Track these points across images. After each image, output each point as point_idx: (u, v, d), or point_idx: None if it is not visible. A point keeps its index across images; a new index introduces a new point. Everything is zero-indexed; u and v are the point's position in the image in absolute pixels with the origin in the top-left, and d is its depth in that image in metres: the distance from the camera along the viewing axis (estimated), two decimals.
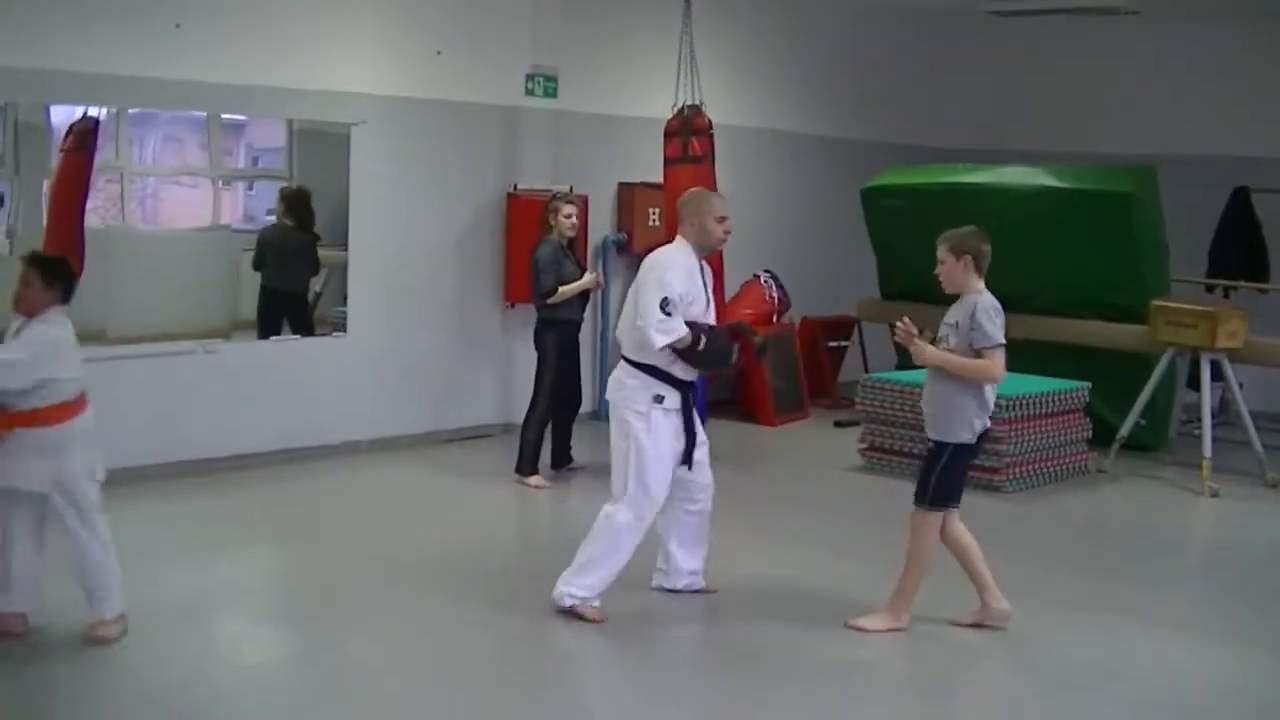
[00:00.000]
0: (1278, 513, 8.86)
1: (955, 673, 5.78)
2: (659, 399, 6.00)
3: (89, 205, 8.19)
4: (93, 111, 7.96)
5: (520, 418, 8.90)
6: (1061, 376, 9.31)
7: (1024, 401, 8.87)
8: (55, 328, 5.47)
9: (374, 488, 8.72)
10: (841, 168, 12.49)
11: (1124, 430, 9.66)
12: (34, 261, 5.58)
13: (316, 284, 9.77)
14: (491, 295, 10.17)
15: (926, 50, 13.63)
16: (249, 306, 9.33)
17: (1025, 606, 6.20)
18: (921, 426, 8.96)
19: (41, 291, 5.46)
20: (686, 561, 6.42)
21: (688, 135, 9.40)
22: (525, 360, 9.24)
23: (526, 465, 8.66)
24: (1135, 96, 12.90)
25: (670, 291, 5.89)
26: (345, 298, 9.45)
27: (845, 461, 9.67)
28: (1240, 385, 9.81)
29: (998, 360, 5.80)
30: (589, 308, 9.38)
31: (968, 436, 5.89)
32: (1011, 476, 8.88)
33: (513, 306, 10.10)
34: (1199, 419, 9.54)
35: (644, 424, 6.00)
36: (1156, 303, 9.61)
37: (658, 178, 9.93)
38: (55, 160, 8.07)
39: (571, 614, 6.04)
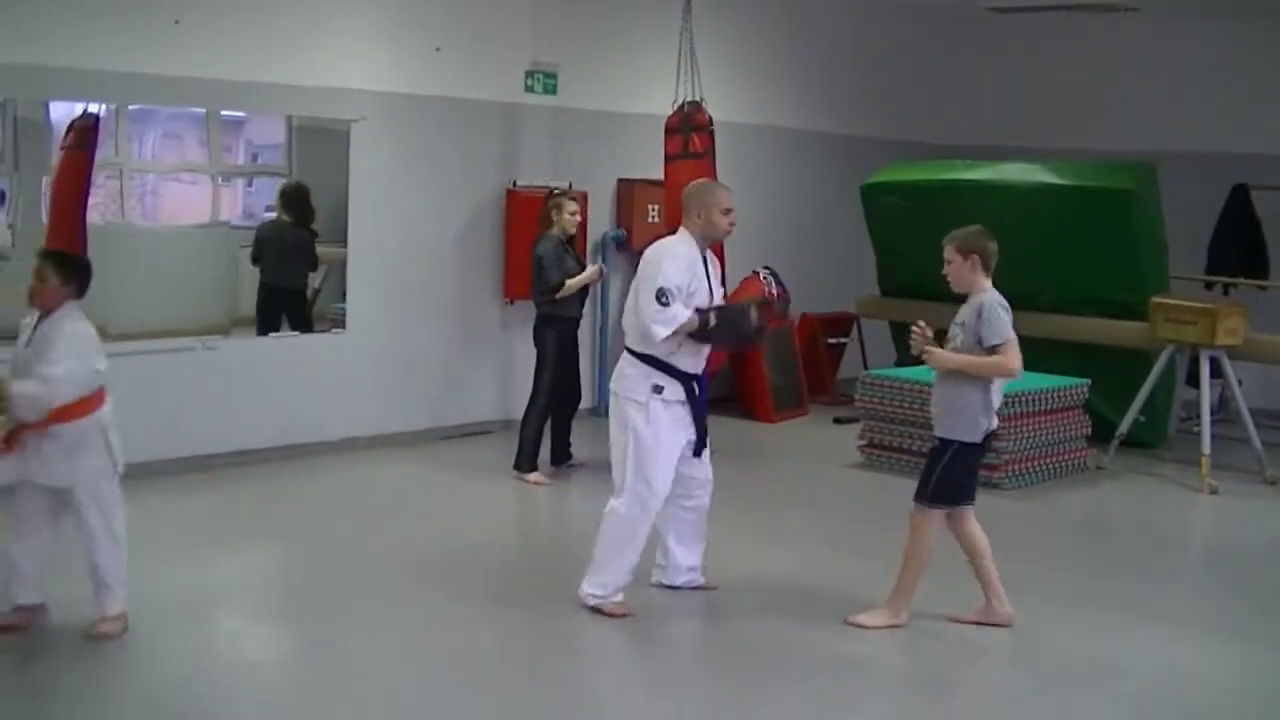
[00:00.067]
0: (1277, 510, 8.87)
1: (955, 669, 5.78)
2: (658, 389, 6.00)
3: (89, 202, 8.18)
4: (93, 108, 7.95)
5: (520, 414, 8.91)
6: (1061, 373, 9.31)
7: (1023, 398, 8.88)
8: (75, 323, 5.48)
9: (373, 484, 8.73)
10: (841, 164, 12.49)
11: (1123, 427, 9.67)
12: (49, 256, 5.61)
13: (315, 280, 9.77)
14: (491, 291, 10.17)
15: (926, 47, 13.62)
16: (248, 303, 9.33)
17: (1024, 603, 6.20)
18: (920, 423, 9.09)
19: (58, 286, 5.48)
20: (685, 558, 6.43)
21: (688, 131, 9.39)
22: (525, 356, 9.23)
23: (526, 462, 8.66)
24: (1135, 93, 12.90)
25: (667, 282, 5.88)
26: (345, 294, 9.45)
27: (844, 458, 9.67)
28: (1239, 382, 9.81)
29: (1011, 354, 5.81)
30: (588, 304, 9.38)
31: (973, 436, 5.90)
32: (1011, 473, 8.89)
33: (512, 303, 10.10)
34: (1198, 416, 9.55)
35: (643, 415, 6.00)
36: (1156, 300, 9.61)
37: (657, 174, 9.92)
38: (56, 157, 8.06)
39: (597, 612, 6.06)
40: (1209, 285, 11.56)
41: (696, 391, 6.11)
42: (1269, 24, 11.95)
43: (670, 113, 9.57)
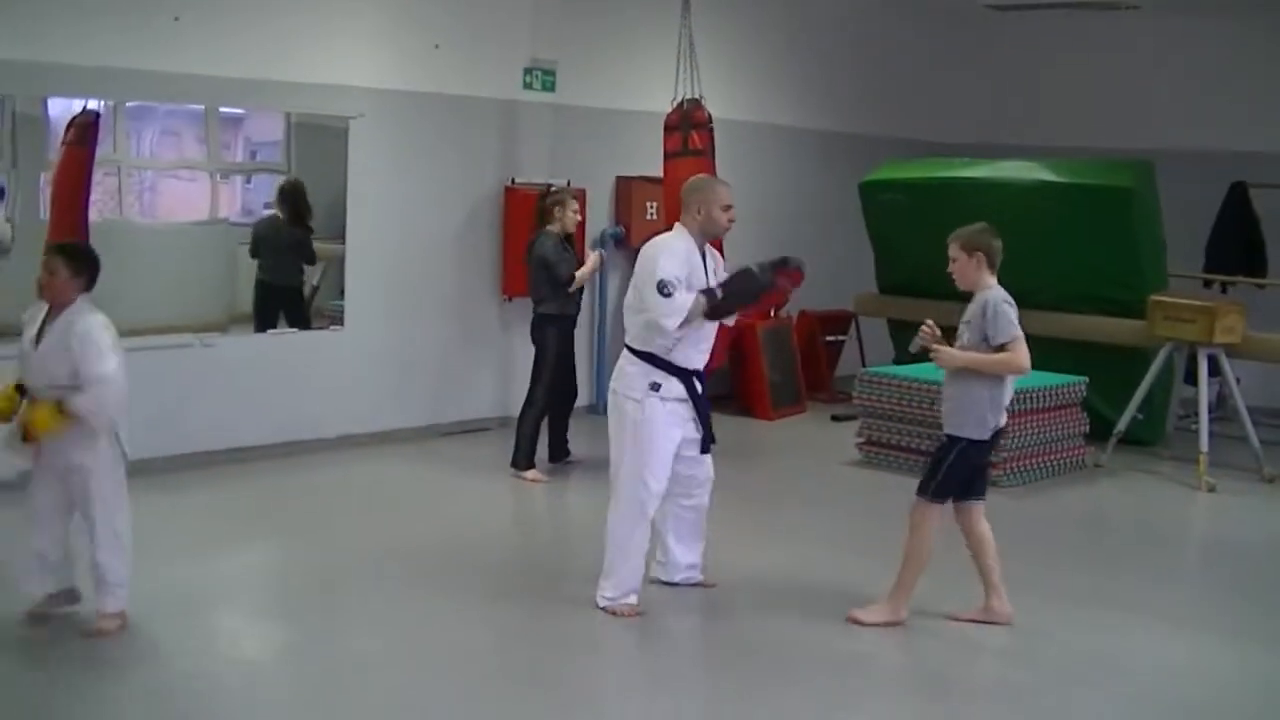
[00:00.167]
0: (1274, 508, 8.88)
1: (954, 667, 5.78)
2: (655, 386, 6.00)
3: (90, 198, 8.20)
4: (93, 104, 7.96)
5: (517, 411, 8.91)
6: (1059, 371, 9.31)
7: (1021, 396, 8.85)
8: (95, 315, 5.51)
9: (372, 481, 8.72)
10: (840, 162, 12.49)
11: (1121, 425, 9.67)
12: (59, 250, 5.62)
13: (314, 277, 9.77)
14: (489, 289, 10.16)
15: (925, 45, 13.62)
16: (246, 300, 9.35)
17: (1023, 601, 6.21)
18: (919, 421, 9.11)
19: (69, 279, 5.49)
20: (684, 555, 6.43)
21: (688, 129, 9.39)
22: (523, 354, 9.23)
23: (523, 459, 8.66)
24: (1133, 91, 12.90)
25: (666, 274, 5.88)
26: (343, 291, 9.44)
27: (843, 456, 9.67)
28: (1238, 380, 9.82)
29: (1019, 351, 5.81)
30: (585, 301, 9.37)
31: (980, 433, 5.90)
32: (1009, 471, 8.89)
33: (510, 300, 10.10)
34: (1196, 414, 9.55)
35: (640, 412, 6.00)
36: (1154, 298, 9.62)
37: (656, 171, 9.92)
38: (57, 154, 8.07)
39: (609, 613, 6.07)
40: (1207, 283, 11.56)
41: (697, 388, 6.11)
42: (1268, 22, 11.95)
43: (669, 110, 9.58)
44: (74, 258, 5.55)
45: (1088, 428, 9.59)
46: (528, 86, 10.22)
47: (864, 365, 11.18)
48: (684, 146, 9.40)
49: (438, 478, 8.84)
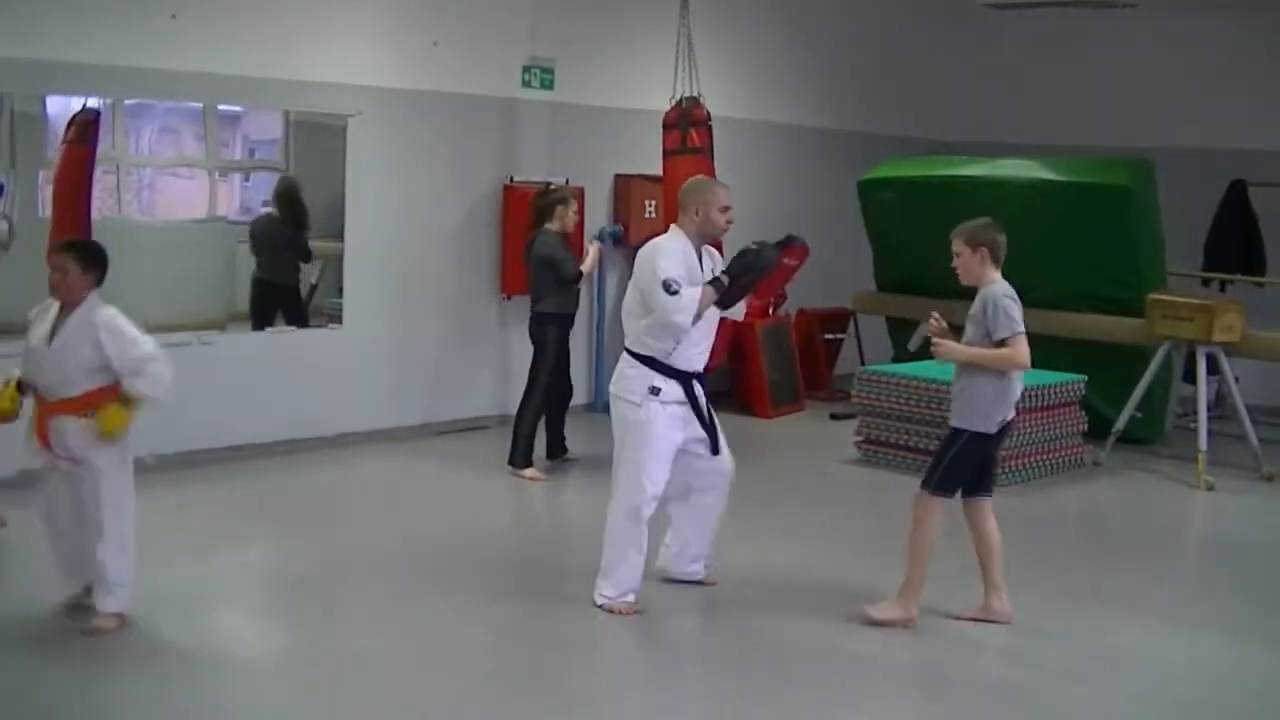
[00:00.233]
0: (1273, 506, 8.88)
1: (953, 665, 5.78)
2: (654, 390, 6.00)
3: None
4: (92, 102, 7.96)
5: (515, 409, 8.90)
6: (1058, 369, 9.30)
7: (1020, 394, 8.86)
8: (107, 307, 5.56)
9: (370, 479, 8.72)
10: (838, 160, 12.49)
11: (1120, 423, 9.67)
12: (68, 247, 5.63)
13: (312, 275, 9.77)
14: (488, 287, 10.16)
15: (924, 43, 13.62)
16: (245, 298, 9.34)
17: (1022, 600, 6.20)
18: (918, 419, 9.11)
19: (80, 276, 5.52)
20: (692, 549, 6.42)
21: (686, 127, 9.39)
22: (521, 352, 9.23)
23: (520, 457, 8.65)
24: (1132, 90, 12.90)
25: (668, 273, 5.89)
26: (341, 289, 9.44)
27: (841, 454, 9.67)
28: (1236, 379, 9.81)
29: (1019, 347, 5.80)
30: (583, 299, 9.37)
31: (985, 426, 5.88)
32: (1007, 469, 8.86)
33: (509, 299, 10.10)
34: (1195, 412, 9.55)
35: (640, 415, 6.00)
36: (1153, 296, 9.62)
37: (654, 169, 9.93)
38: (58, 152, 8.08)
39: (607, 611, 6.08)
40: (1206, 282, 11.56)
41: (697, 390, 6.11)
42: (1267, 21, 11.95)
43: (668, 108, 9.57)
44: (84, 255, 5.58)
45: (1086, 426, 9.58)
46: (526, 84, 10.21)
47: (863, 363, 11.19)
48: (682, 144, 9.40)
49: (436, 476, 8.84)
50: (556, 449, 9.00)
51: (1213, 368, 9.54)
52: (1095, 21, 12.88)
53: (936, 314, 6.03)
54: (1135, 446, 9.98)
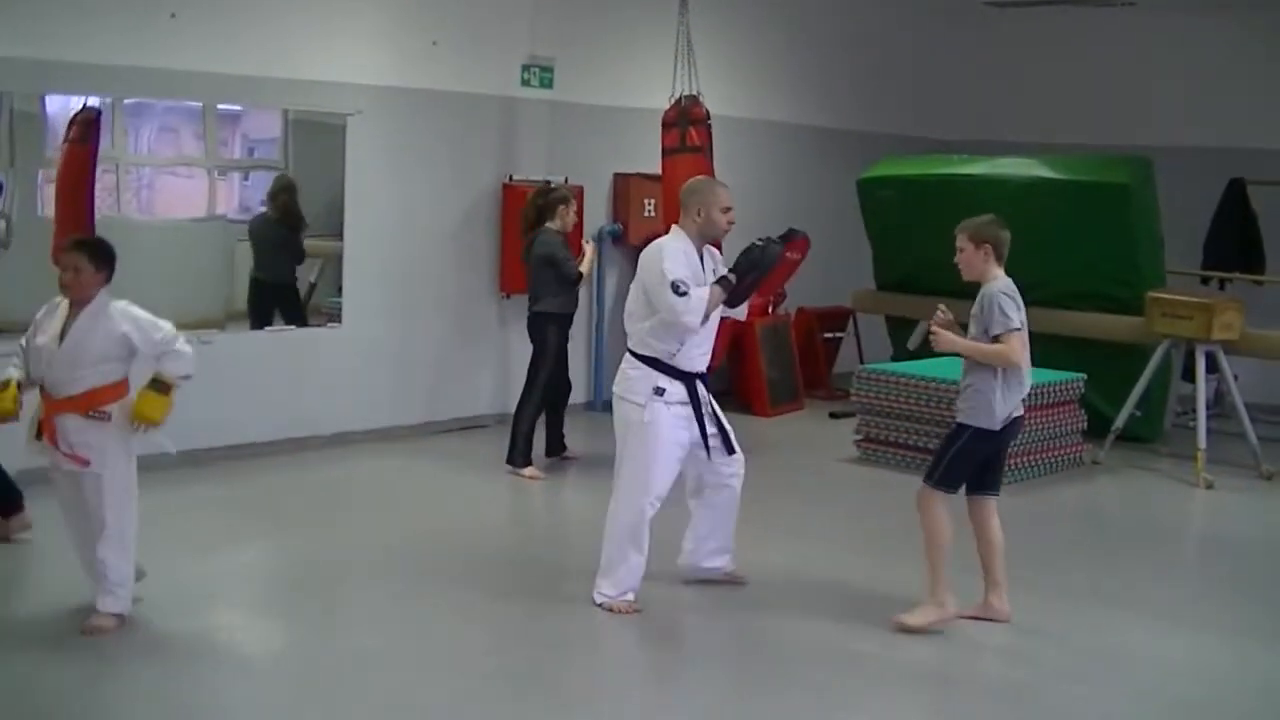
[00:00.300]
0: (1272, 505, 8.88)
1: (953, 664, 5.78)
2: (659, 391, 6.01)
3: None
4: (92, 101, 7.96)
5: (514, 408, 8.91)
6: (1057, 368, 9.31)
7: None
8: (121, 302, 5.59)
9: (369, 478, 8.72)
10: (837, 159, 12.50)
11: (1119, 422, 9.67)
12: (80, 246, 5.65)
13: (311, 274, 9.77)
14: (487, 286, 10.16)
15: (923, 41, 13.62)
16: (244, 297, 9.33)
17: (1022, 599, 6.21)
18: (917, 418, 9.12)
19: (93, 274, 5.55)
20: (714, 543, 6.41)
21: (685, 125, 9.38)
22: (520, 351, 9.23)
23: (519, 457, 8.65)
24: (1131, 88, 12.91)
25: (674, 274, 5.89)
26: (341, 288, 9.44)
27: (840, 453, 9.67)
28: (1235, 377, 9.81)
29: (1012, 344, 5.79)
30: (584, 298, 9.37)
31: (989, 423, 5.87)
32: (1006, 468, 8.83)
33: (508, 297, 10.10)
34: (1194, 411, 9.56)
35: (644, 416, 6.00)
36: (1152, 294, 9.62)
37: (653, 168, 9.92)
38: (60, 151, 8.08)
39: (607, 610, 6.08)
40: (1205, 280, 11.57)
41: (700, 391, 6.11)
42: (1265, 19, 11.96)
43: (667, 106, 9.57)
44: (96, 253, 5.61)
45: (1085, 424, 9.59)
46: (525, 83, 10.21)
47: (862, 362, 11.20)
48: (682, 143, 9.39)
49: (435, 475, 8.83)
50: (555, 446, 9.00)
51: (1212, 366, 9.54)
52: (1095, 20, 12.89)
53: (943, 306, 6.04)
54: (1134, 445, 9.99)
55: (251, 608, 6.32)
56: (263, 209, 9.51)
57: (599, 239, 10.42)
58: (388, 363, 9.61)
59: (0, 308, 7.52)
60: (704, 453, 6.16)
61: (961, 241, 5.98)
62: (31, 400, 5.63)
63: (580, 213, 9.32)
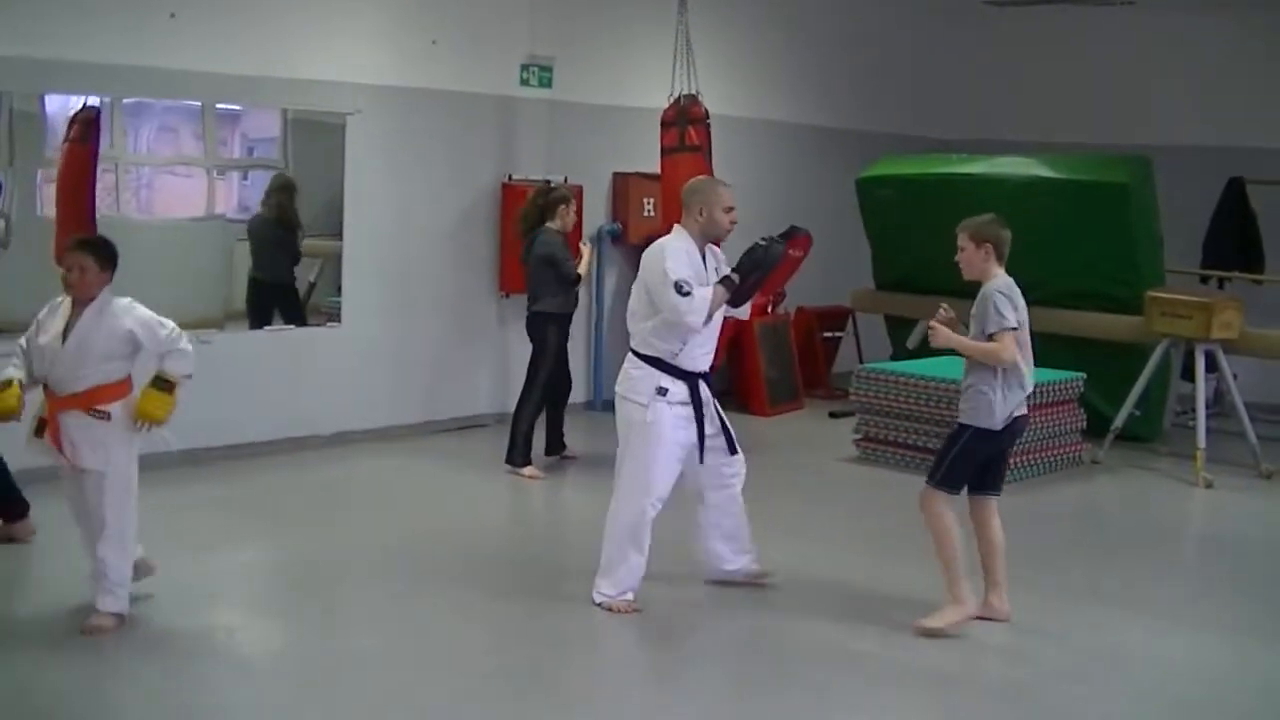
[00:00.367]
0: (1272, 504, 8.88)
1: (953, 664, 5.77)
2: (662, 391, 6.01)
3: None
4: (92, 101, 7.96)
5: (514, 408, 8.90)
6: (1056, 367, 9.31)
7: None
8: (122, 299, 5.61)
9: (369, 478, 8.72)
10: (836, 158, 12.50)
11: (1118, 421, 9.67)
12: (84, 245, 5.66)
13: (311, 274, 9.76)
14: (487, 286, 10.16)
15: (923, 40, 13.62)
16: (243, 297, 9.33)
17: (1021, 598, 6.20)
18: (916, 417, 9.11)
19: (98, 273, 5.58)
20: (731, 543, 6.38)
21: (684, 125, 9.39)
22: (520, 350, 9.22)
23: (519, 456, 8.65)
24: (1130, 87, 12.91)
25: (677, 274, 5.89)
26: (340, 288, 9.44)
27: (840, 452, 9.67)
28: (1235, 376, 9.81)
29: (1005, 343, 5.78)
30: (583, 298, 9.36)
31: (989, 422, 5.86)
32: (1005, 467, 8.87)
33: (508, 297, 10.10)
34: (1193, 410, 9.56)
35: (646, 416, 6.00)
36: (1151, 294, 9.62)
37: (652, 168, 9.92)
38: (61, 151, 8.08)
39: (606, 609, 6.07)
40: (1204, 279, 11.57)
41: (702, 391, 6.10)
42: (1265, 18, 11.96)
43: (666, 106, 9.57)
44: (101, 252, 5.63)
45: (1085, 424, 9.59)
46: (525, 83, 10.21)
47: (861, 361, 11.20)
48: (681, 142, 9.39)
49: (434, 474, 8.83)
50: (555, 445, 9.00)
51: (1211, 365, 9.54)
52: (1094, 19, 12.89)
53: (945, 304, 6.04)
54: (1134, 444, 9.98)
55: (251, 607, 6.32)
56: (260, 208, 9.52)
57: (596, 239, 10.43)
58: (387, 362, 9.61)
59: (0, 307, 7.52)
60: (720, 443, 6.15)
61: (962, 241, 5.98)
62: (32, 399, 5.63)
63: (579, 212, 9.32)
